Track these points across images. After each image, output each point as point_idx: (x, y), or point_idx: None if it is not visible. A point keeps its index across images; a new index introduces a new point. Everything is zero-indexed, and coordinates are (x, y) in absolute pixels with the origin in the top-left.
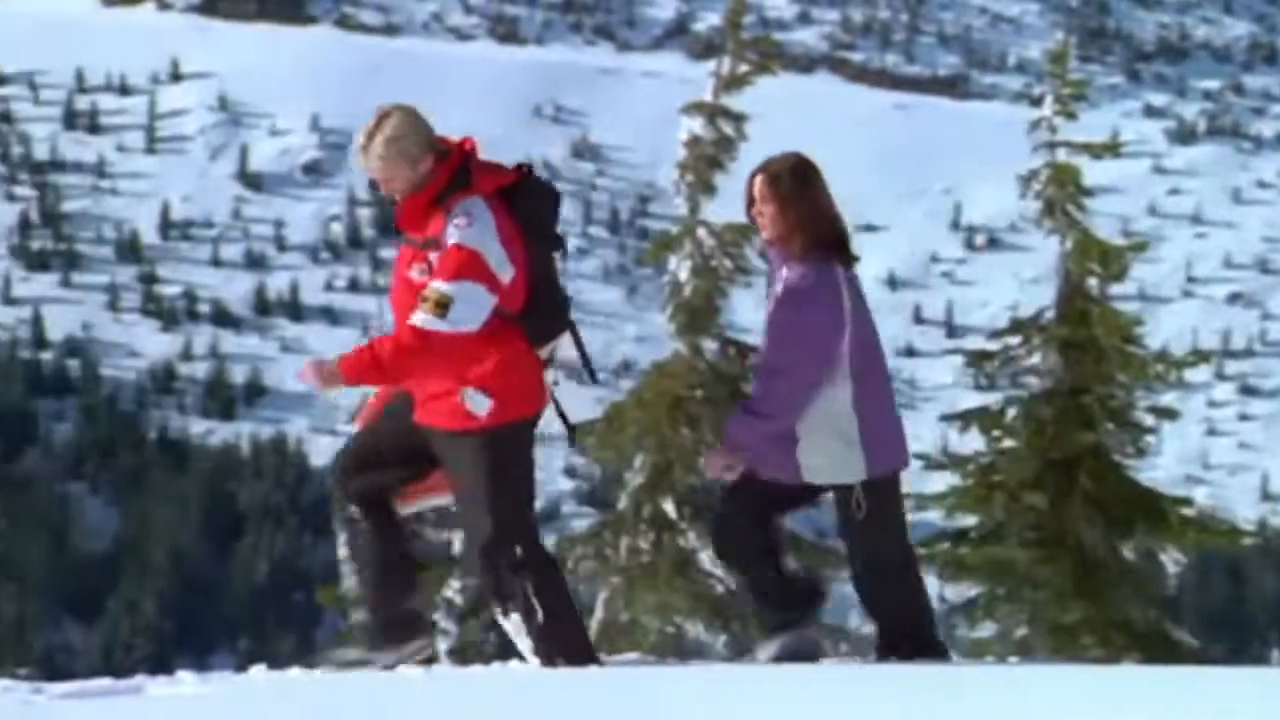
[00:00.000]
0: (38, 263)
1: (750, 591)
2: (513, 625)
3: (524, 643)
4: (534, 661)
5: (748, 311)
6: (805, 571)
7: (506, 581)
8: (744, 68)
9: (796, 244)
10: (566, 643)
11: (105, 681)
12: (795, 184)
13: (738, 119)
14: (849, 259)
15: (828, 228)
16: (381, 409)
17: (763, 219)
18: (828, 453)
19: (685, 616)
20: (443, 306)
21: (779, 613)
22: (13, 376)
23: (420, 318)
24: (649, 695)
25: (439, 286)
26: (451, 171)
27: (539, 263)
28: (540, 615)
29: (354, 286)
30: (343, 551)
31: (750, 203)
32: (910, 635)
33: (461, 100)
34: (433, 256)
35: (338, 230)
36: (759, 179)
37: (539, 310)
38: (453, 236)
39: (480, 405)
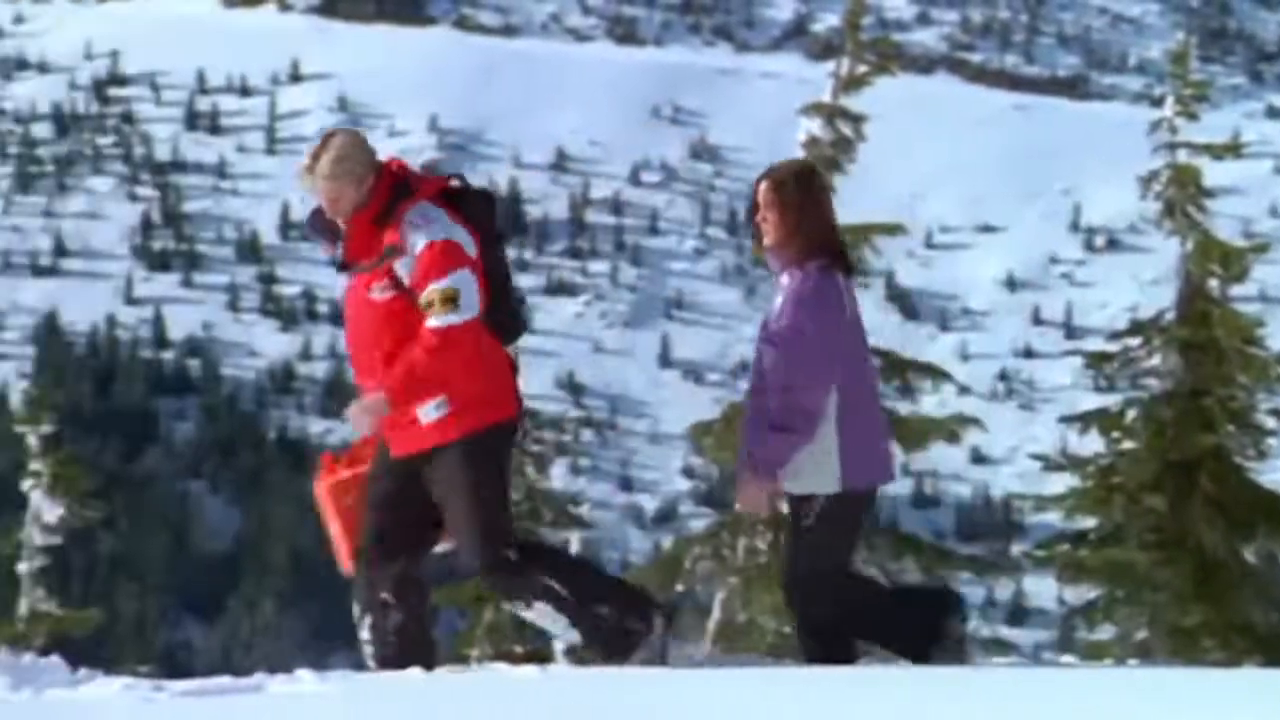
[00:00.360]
0: (159, 263)
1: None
2: (539, 614)
3: (558, 626)
4: (573, 639)
5: (866, 312)
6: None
7: (515, 583)
8: (863, 68)
9: (795, 249)
10: (598, 621)
11: (225, 680)
12: (799, 191)
13: (856, 120)
14: (849, 267)
15: (828, 235)
16: (357, 482)
17: (765, 225)
18: (810, 461)
19: None
20: (451, 300)
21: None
22: (134, 376)
23: (436, 320)
24: (768, 696)
25: (438, 285)
26: (392, 184)
27: (493, 262)
28: (567, 595)
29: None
30: (365, 634)
31: (754, 209)
32: (825, 638)
33: (579, 101)
34: (400, 268)
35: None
36: (763, 185)
37: (502, 308)
38: (421, 238)
39: (430, 414)
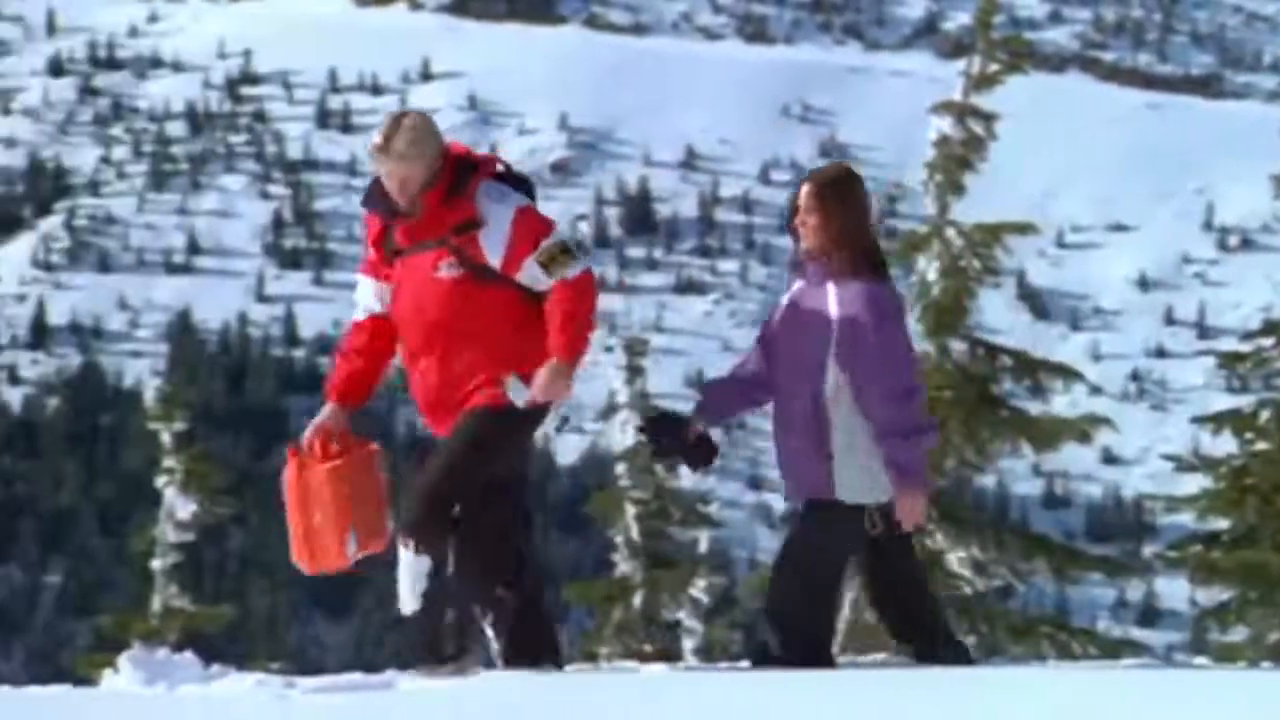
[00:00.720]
0: (290, 261)
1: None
2: (410, 569)
3: (408, 592)
4: (409, 611)
5: (996, 312)
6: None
7: (423, 538)
8: (994, 67)
9: (842, 259)
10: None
11: (356, 676)
12: (843, 197)
13: (988, 119)
14: (889, 272)
15: (867, 242)
16: (353, 470)
17: (805, 229)
18: (863, 471)
19: None
20: (569, 252)
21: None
22: (265, 374)
23: (569, 270)
24: (888, 698)
25: (551, 241)
26: (456, 163)
27: None
28: (437, 588)
29: (601, 286)
30: (488, 630)
31: (794, 212)
32: (932, 647)
33: (709, 100)
34: (483, 239)
35: (585, 230)
36: (805, 189)
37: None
38: (504, 208)
39: (521, 395)
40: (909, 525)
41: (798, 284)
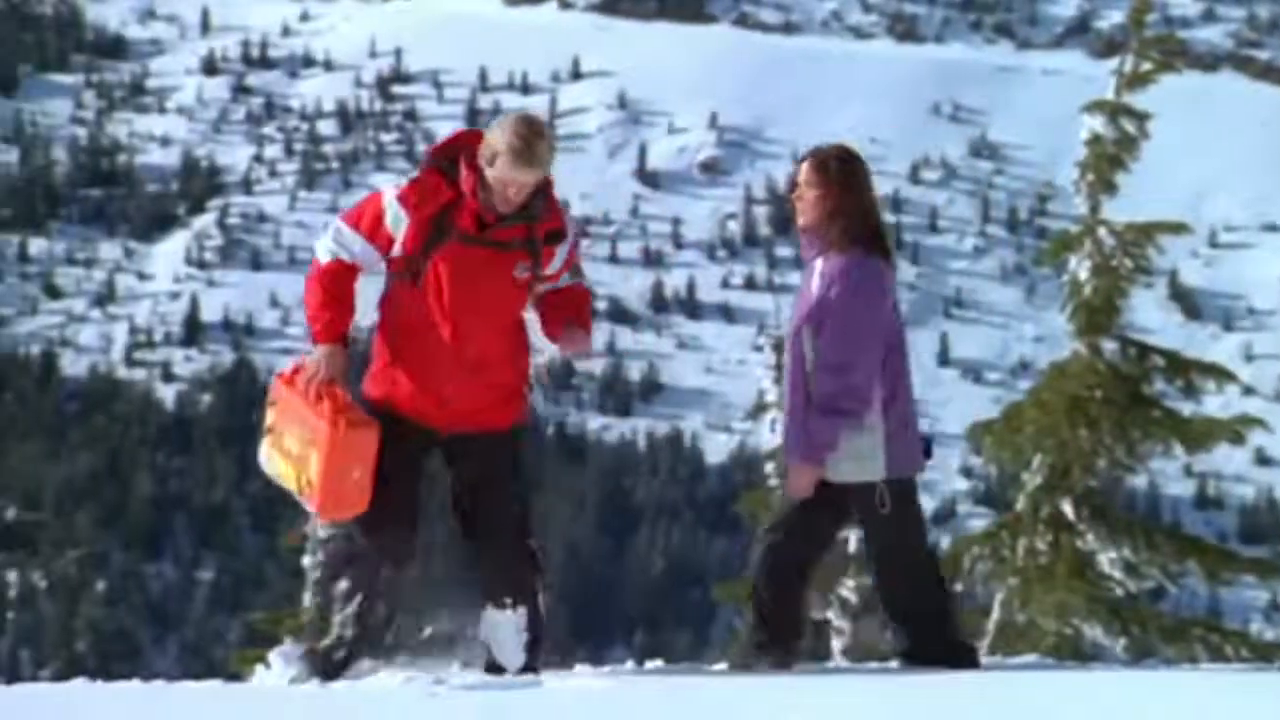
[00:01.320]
0: None
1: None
2: (509, 620)
3: (514, 641)
4: (516, 660)
5: (1148, 312)
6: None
7: (526, 576)
8: (1147, 66)
9: (833, 233)
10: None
11: (504, 675)
12: (840, 173)
13: (1140, 118)
14: (887, 252)
15: (865, 220)
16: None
17: (802, 203)
18: (853, 450)
19: (1083, 618)
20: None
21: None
22: None
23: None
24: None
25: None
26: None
27: None
28: (541, 615)
29: (750, 284)
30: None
31: (793, 186)
32: (936, 637)
33: (859, 98)
34: (557, 250)
35: (734, 228)
36: (806, 164)
37: None
38: (571, 224)
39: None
40: (790, 493)
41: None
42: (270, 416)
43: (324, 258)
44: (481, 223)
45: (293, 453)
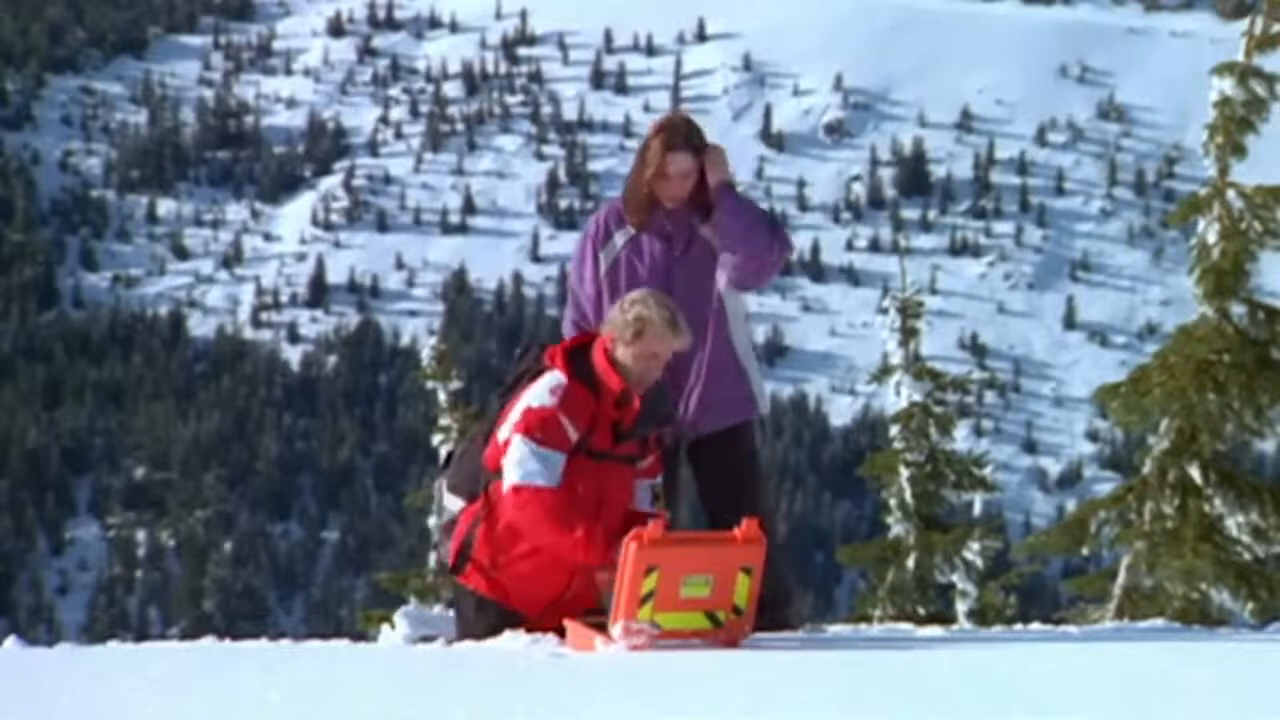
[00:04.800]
0: (565, 221)
1: None
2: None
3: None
4: None
5: (1277, 275)
6: None
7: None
8: (1277, 27)
9: None
10: None
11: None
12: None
13: (1270, 80)
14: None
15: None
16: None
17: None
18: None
19: (1211, 583)
20: None
21: None
22: (539, 333)
23: None
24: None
25: None
26: None
27: None
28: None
29: (875, 247)
30: None
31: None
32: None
33: (986, 60)
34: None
35: (859, 190)
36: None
37: None
38: None
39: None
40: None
41: None
42: (650, 583)
43: (538, 481)
44: (616, 434)
45: (701, 595)
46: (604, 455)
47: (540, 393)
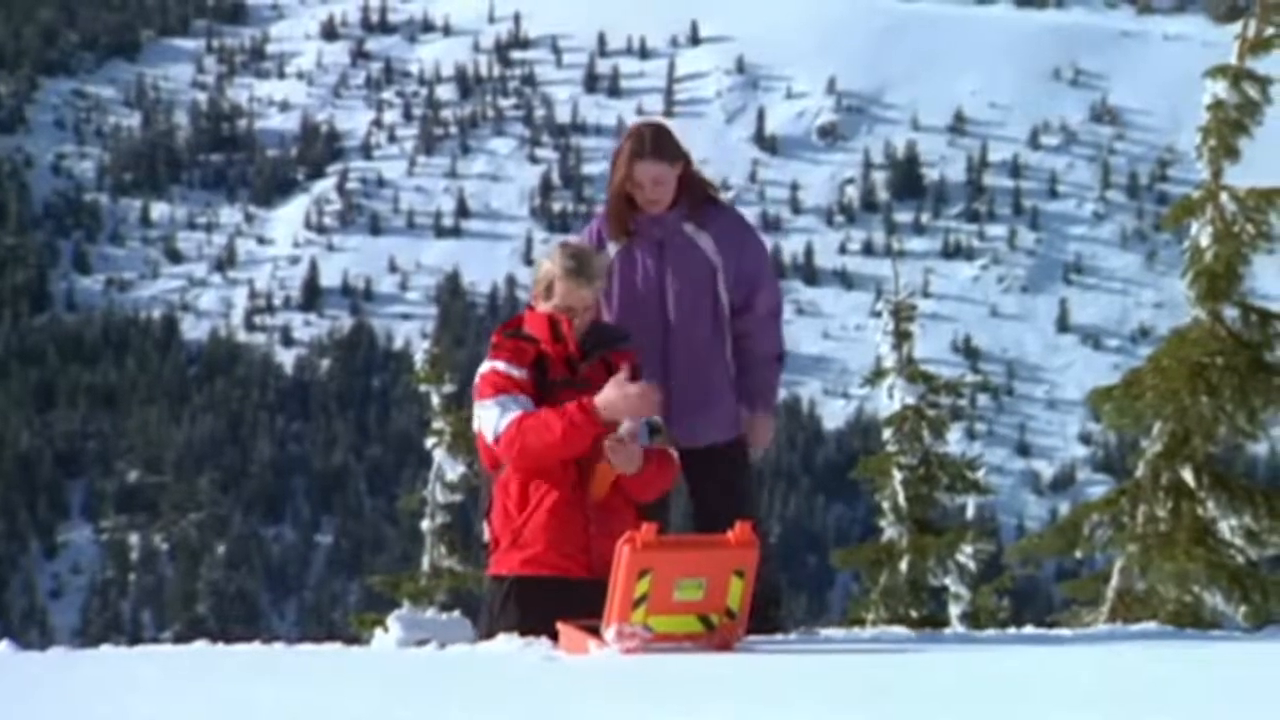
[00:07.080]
0: (558, 224)
1: None
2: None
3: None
4: None
5: (1269, 278)
6: None
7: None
8: (1270, 31)
9: None
10: None
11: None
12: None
13: (1263, 83)
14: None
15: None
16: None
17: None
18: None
19: (1204, 586)
20: None
21: None
22: None
23: None
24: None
25: None
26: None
27: None
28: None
29: (868, 250)
30: None
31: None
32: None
33: (979, 63)
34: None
35: (852, 193)
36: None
37: None
38: None
39: None
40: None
41: None
42: (643, 587)
43: (508, 419)
44: (570, 365)
45: (694, 599)
46: (566, 383)
47: (481, 367)
